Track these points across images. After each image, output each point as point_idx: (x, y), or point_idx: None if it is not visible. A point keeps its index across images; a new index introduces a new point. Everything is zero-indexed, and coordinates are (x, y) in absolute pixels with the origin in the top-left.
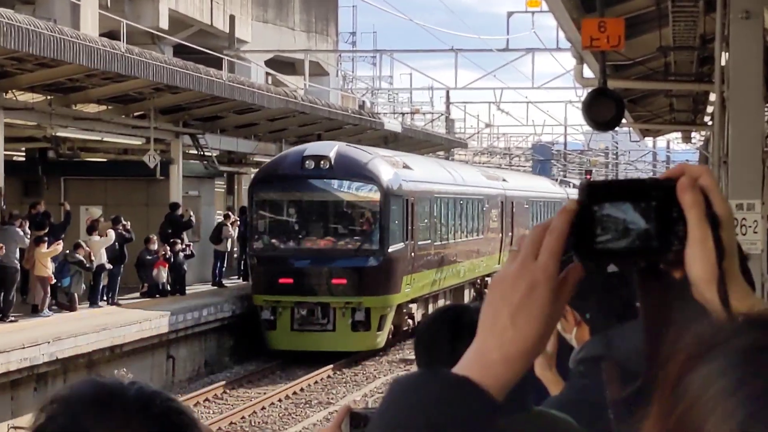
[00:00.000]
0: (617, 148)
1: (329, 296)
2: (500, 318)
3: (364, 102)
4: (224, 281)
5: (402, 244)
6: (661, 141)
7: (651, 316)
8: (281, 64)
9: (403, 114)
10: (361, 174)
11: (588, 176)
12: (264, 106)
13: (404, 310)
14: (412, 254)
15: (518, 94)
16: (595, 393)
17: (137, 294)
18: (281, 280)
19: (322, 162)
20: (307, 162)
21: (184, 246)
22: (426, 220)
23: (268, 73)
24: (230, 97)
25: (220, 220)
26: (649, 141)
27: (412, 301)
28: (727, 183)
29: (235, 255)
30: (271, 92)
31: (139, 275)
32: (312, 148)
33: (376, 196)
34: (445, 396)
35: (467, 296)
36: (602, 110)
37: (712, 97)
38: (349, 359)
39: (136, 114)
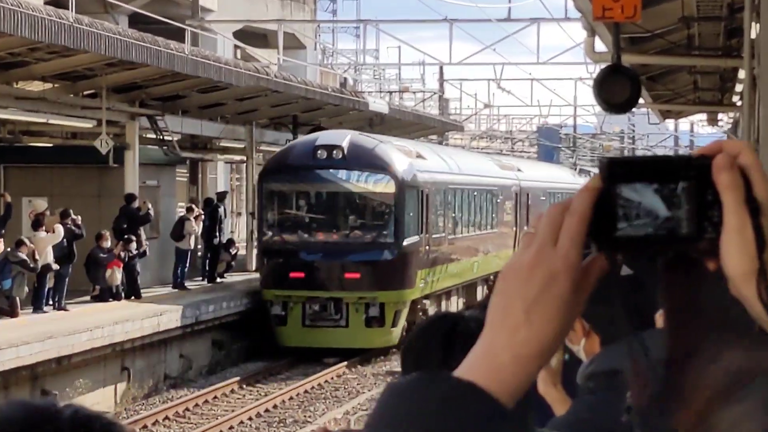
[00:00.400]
0: (634, 131)
1: (342, 291)
2: (513, 313)
3: (345, 79)
4: (187, 283)
5: (417, 237)
6: (684, 123)
7: (677, 314)
8: (252, 36)
9: (390, 93)
10: (375, 164)
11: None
12: (232, 84)
13: (418, 306)
14: (427, 248)
15: (521, 70)
16: (605, 411)
17: (87, 298)
18: (292, 275)
19: (334, 152)
20: (319, 152)
21: (142, 244)
22: (440, 213)
23: (236, 47)
24: (193, 74)
25: (182, 214)
26: (670, 123)
27: (426, 297)
28: None
29: (199, 253)
30: (240, 68)
31: (90, 276)
32: (324, 137)
33: (391, 187)
34: (447, 402)
35: (480, 294)
36: (616, 90)
37: (742, 74)
38: (361, 357)
39: (86, 93)
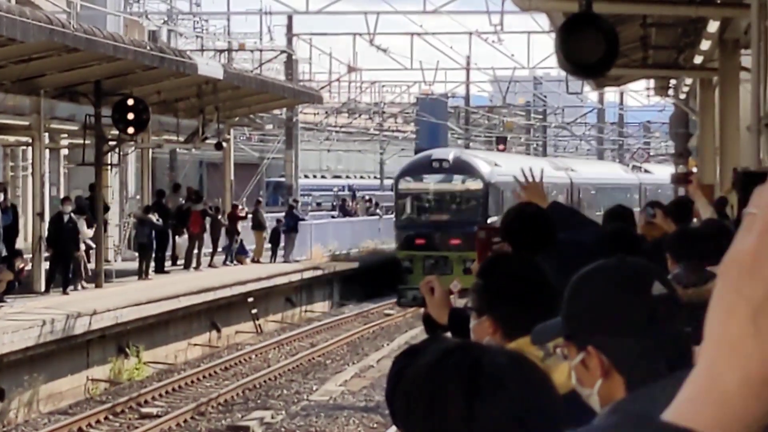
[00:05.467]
0: (545, 104)
1: (449, 251)
2: (735, 321)
3: (154, 33)
4: None
5: (496, 217)
6: (611, 94)
7: None
8: None
9: (219, 52)
10: (471, 171)
11: (501, 147)
12: (15, 39)
13: None
14: None
15: (408, 20)
16: None
17: None
18: (417, 241)
19: (443, 163)
20: (434, 163)
21: None
22: (511, 203)
23: None
24: None
25: None
26: (592, 94)
27: None
28: None
29: None
30: (27, 17)
31: None
32: (436, 153)
33: (480, 185)
34: None
35: None
36: (586, 46)
37: (712, 26)
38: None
39: None
